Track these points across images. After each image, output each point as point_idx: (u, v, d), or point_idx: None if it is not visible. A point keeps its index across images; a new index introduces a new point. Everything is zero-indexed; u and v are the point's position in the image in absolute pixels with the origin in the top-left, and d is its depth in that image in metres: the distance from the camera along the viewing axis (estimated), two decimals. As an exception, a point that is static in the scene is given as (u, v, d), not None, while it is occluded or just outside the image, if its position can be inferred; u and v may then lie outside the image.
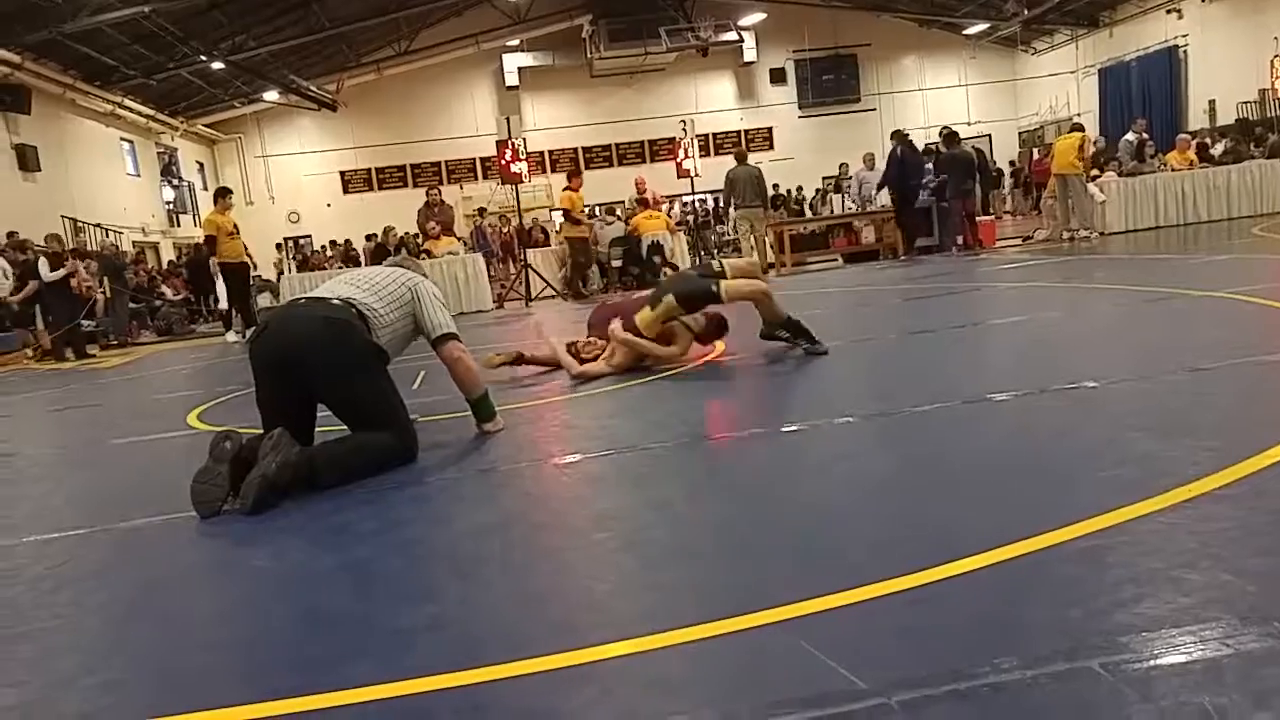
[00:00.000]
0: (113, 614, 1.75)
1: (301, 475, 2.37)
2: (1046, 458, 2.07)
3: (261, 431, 2.49)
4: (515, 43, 19.52)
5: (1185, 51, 16.85)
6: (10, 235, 9.68)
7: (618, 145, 20.75)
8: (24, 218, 11.14)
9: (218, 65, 15.25)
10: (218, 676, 1.40)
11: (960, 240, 10.14)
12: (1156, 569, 1.35)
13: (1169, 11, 16.86)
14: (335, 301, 2.63)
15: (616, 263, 10.91)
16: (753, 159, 10.57)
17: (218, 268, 9.15)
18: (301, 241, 19.11)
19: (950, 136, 10.32)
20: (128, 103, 15.55)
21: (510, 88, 19.97)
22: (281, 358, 2.54)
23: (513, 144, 9.91)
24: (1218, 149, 11.71)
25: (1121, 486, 1.72)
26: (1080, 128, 9.95)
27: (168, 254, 17.04)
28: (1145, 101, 17.09)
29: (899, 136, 10.12)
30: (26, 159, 12.55)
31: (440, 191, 11.31)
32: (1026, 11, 17.67)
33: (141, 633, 1.62)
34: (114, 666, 1.49)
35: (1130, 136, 11.46)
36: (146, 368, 7.68)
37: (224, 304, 9.64)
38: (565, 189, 10.04)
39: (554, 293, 10.87)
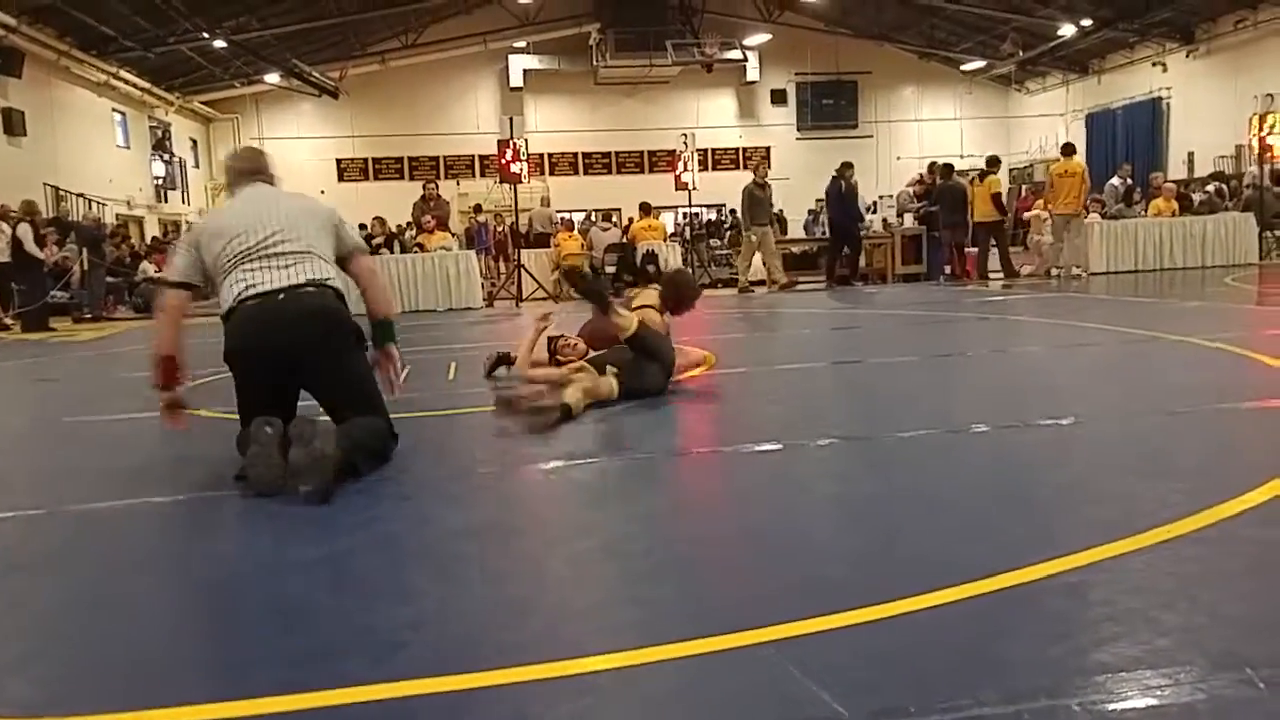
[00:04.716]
0: (68, 599, 1.69)
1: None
2: (1027, 492, 2.09)
3: (238, 417, 2.46)
4: (522, 44, 19.52)
5: (1168, 104, 17.30)
6: (-11, 200, 9.50)
7: (617, 153, 20.79)
8: (5, 182, 10.91)
9: (220, 44, 15.08)
10: (179, 671, 1.35)
11: (948, 270, 10.28)
12: (1135, 608, 1.37)
13: (1154, 64, 17.33)
14: (312, 290, 2.51)
15: (610, 269, 10.93)
16: (748, 177, 10.59)
17: None
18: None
19: (945, 169, 10.48)
20: (123, 74, 15.26)
21: (514, 88, 19.96)
22: (278, 356, 2.47)
23: (514, 144, 9.88)
24: (1198, 196, 11.95)
25: (1101, 524, 1.74)
26: (1073, 149, 9.87)
27: (153, 230, 16.75)
28: (1129, 148, 17.49)
29: (845, 170, 10.12)
30: (13, 123, 12.31)
31: (437, 186, 11.26)
32: (1021, 53, 18.03)
33: (99, 621, 1.56)
34: (67, 655, 1.43)
35: (1115, 181, 11.69)
36: (120, 344, 7.51)
37: None
38: (988, 174, 9.93)
39: (545, 294, 10.85)
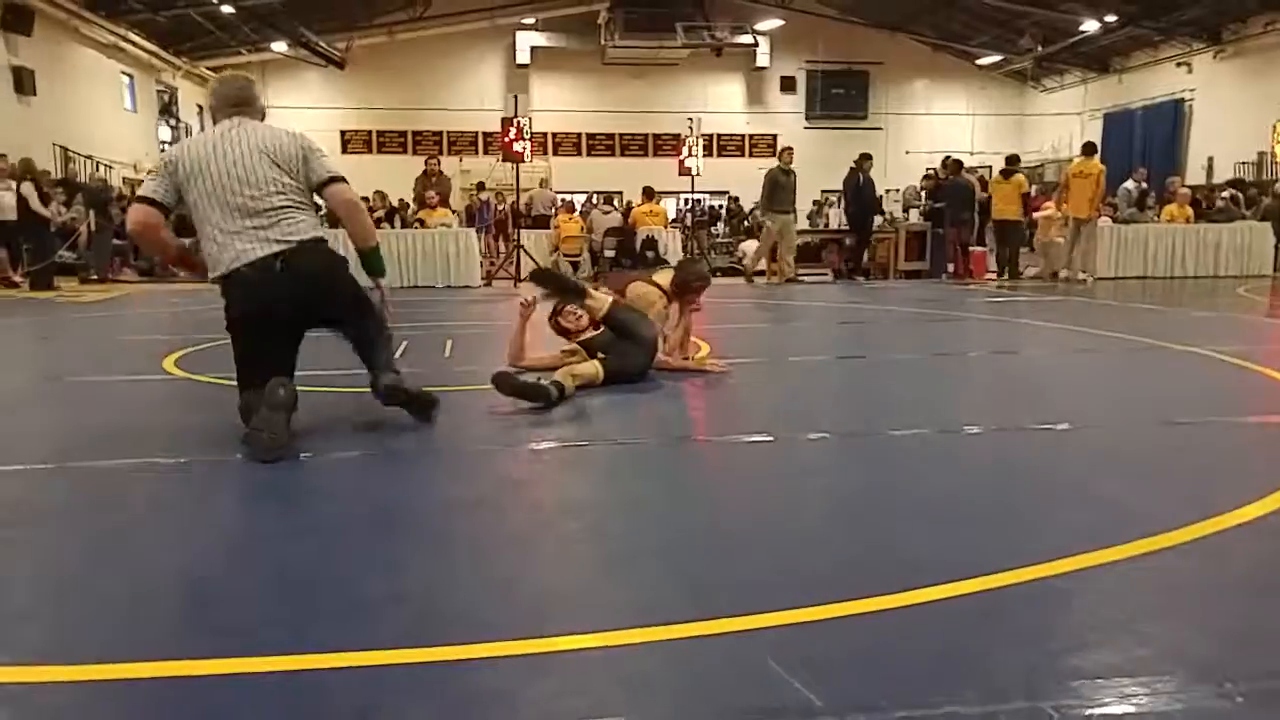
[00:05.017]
0: (73, 553, 1.73)
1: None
2: (1016, 495, 2.09)
3: (238, 385, 2.50)
4: (530, 21, 19.32)
5: (1190, 106, 17.09)
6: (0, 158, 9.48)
7: (621, 135, 20.63)
8: (15, 141, 10.87)
9: (228, 9, 14.94)
10: (175, 627, 1.38)
11: (951, 268, 10.23)
12: (1117, 617, 1.37)
13: (1179, 65, 17.08)
14: (304, 251, 2.48)
15: (610, 252, 10.87)
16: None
17: None
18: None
19: (955, 165, 10.38)
20: (132, 36, 15.19)
21: (520, 66, 19.77)
22: (283, 317, 2.51)
23: (518, 123, 9.79)
24: (1219, 202, 11.80)
25: (1089, 531, 1.73)
26: (1094, 149, 9.67)
27: (157, 194, 16.68)
28: (1146, 151, 17.29)
29: (863, 161, 10.01)
30: (23, 82, 12.23)
31: (439, 162, 11.18)
32: (1040, 48, 17.81)
33: (102, 575, 1.60)
34: (71, 606, 1.47)
35: (1130, 185, 11.56)
36: (126, 306, 7.54)
37: None
38: (1013, 172, 9.69)
39: (545, 276, 10.79)
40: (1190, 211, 10.64)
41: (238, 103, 2.61)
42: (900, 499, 2.03)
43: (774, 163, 10.37)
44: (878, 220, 10.84)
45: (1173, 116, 17.30)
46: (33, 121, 12.36)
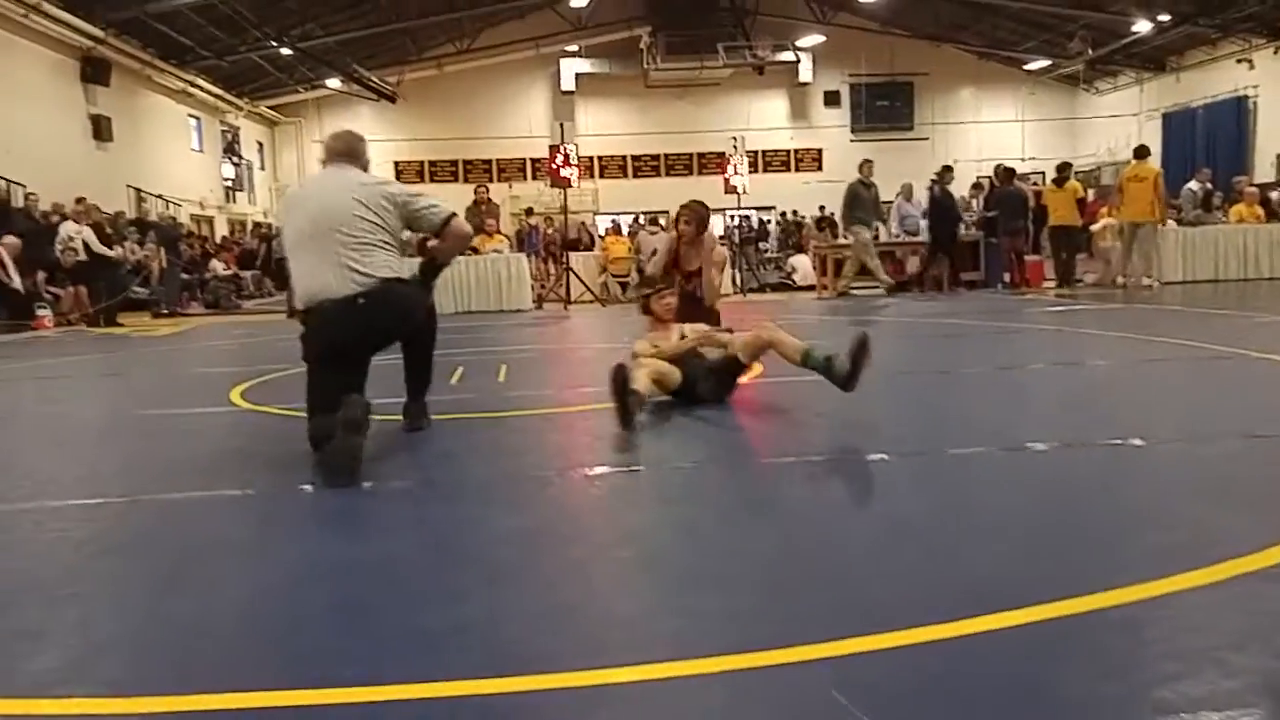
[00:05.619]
0: (152, 585, 1.80)
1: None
2: (1088, 516, 2.01)
3: (308, 413, 2.64)
4: (574, 49, 19.74)
5: (1255, 102, 16.35)
6: (79, 201, 10.13)
7: (667, 156, 20.82)
8: (94, 185, 11.68)
9: (286, 51, 15.74)
10: (246, 658, 1.43)
11: (1007, 278, 9.96)
12: (1200, 647, 1.31)
13: (1239, 61, 16.37)
14: (382, 288, 2.67)
15: (656, 272, 10.93)
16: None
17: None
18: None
19: (1007, 174, 10.14)
20: (199, 81, 16.23)
21: (566, 92, 20.19)
22: (361, 346, 2.72)
23: (565, 149, 9.99)
24: (1276, 193, 11.21)
25: (1167, 554, 1.67)
26: (1146, 151, 9.38)
27: (221, 229, 17.58)
28: (1210, 150, 16.56)
29: (944, 174, 9.94)
30: (101, 129, 13.19)
31: (488, 190, 11.48)
32: (1091, 51, 17.31)
33: (179, 607, 1.66)
34: (150, 638, 1.53)
35: (1194, 185, 11.09)
36: (194, 339, 7.90)
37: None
38: (1066, 179, 9.59)
39: (592, 297, 10.94)
40: (1261, 211, 10.14)
41: (341, 153, 2.91)
42: (966, 521, 1.99)
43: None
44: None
45: (1236, 114, 16.57)
46: (109, 166, 13.28)
